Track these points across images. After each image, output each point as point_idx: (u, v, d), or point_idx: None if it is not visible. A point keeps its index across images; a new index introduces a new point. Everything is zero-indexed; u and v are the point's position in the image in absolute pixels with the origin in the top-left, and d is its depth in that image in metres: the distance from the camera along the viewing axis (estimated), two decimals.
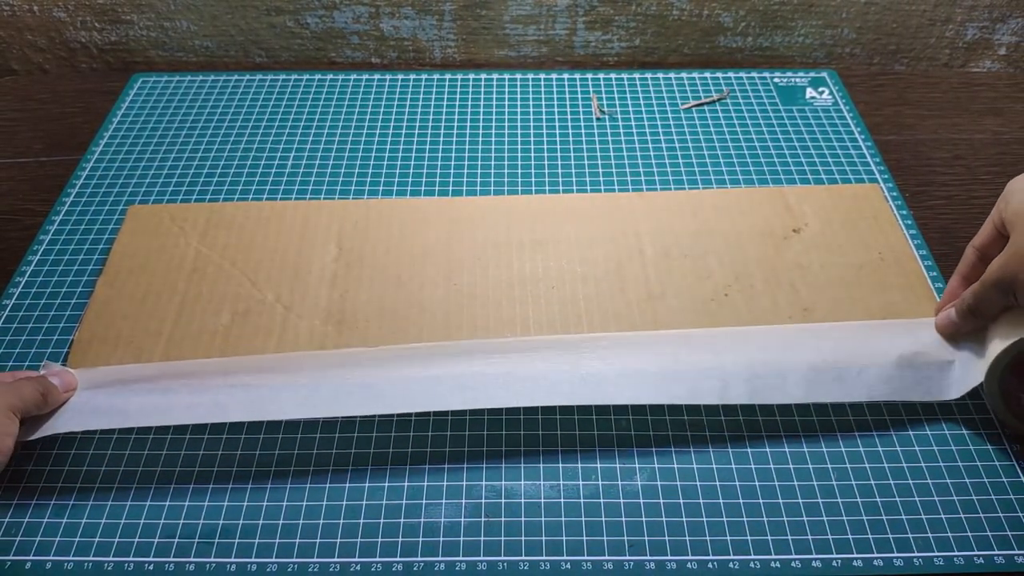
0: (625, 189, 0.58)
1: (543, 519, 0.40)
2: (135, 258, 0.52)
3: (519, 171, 0.60)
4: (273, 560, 0.39)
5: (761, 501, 0.41)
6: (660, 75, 0.70)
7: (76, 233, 0.55)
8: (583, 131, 0.64)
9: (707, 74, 0.69)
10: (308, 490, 0.42)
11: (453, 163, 0.61)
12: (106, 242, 0.54)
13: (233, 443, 0.44)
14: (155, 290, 0.50)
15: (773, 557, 0.39)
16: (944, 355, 0.45)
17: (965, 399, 0.44)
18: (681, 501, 0.41)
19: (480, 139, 0.63)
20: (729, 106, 0.66)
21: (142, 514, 0.40)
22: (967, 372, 0.44)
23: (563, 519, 0.40)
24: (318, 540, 0.39)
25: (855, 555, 0.39)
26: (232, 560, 0.39)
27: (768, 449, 0.43)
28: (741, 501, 0.41)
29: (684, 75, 0.69)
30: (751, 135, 0.63)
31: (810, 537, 0.39)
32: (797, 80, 0.69)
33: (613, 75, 0.70)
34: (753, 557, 0.39)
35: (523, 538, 0.40)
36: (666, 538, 0.39)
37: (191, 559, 0.39)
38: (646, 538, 0.39)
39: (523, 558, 0.39)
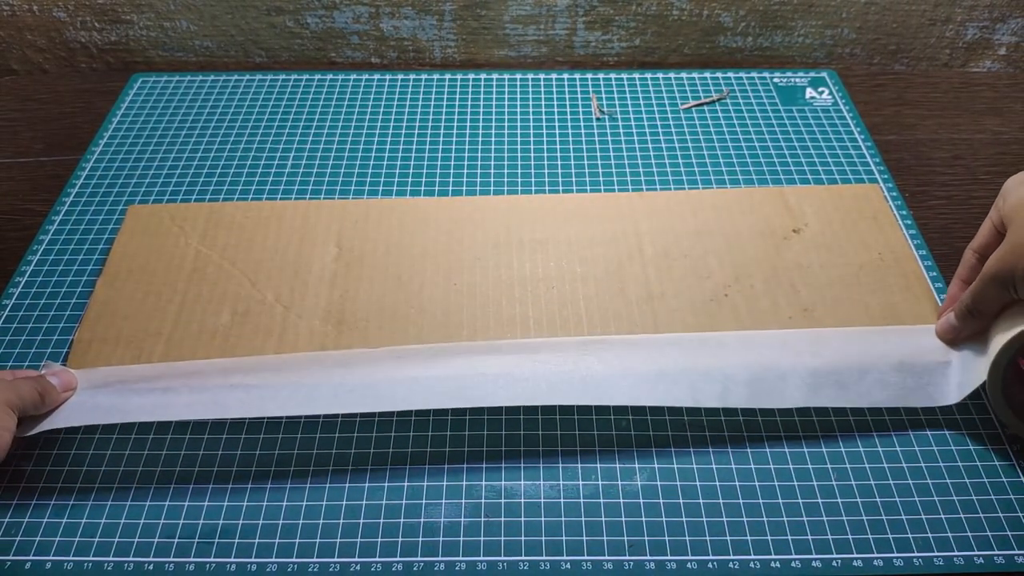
0: (625, 189, 0.58)
1: (543, 519, 0.40)
2: (135, 258, 0.52)
3: (519, 171, 0.60)
4: (273, 560, 0.39)
5: (761, 501, 0.41)
6: (660, 75, 0.70)
7: (76, 233, 0.55)
8: (583, 131, 0.64)
9: (707, 74, 0.69)
10: (308, 490, 0.42)
11: (453, 163, 0.61)
12: (106, 242, 0.54)
13: (233, 443, 0.44)
14: (155, 290, 0.50)
15: (773, 557, 0.39)
16: (944, 360, 0.45)
17: (965, 400, 0.44)
18: (681, 501, 0.41)
19: (480, 139, 0.63)
20: (729, 106, 0.66)
21: (142, 514, 0.40)
22: (968, 375, 0.43)
23: (563, 519, 0.40)
24: (318, 540, 0.39)
25: (855, 555, 0.39)
26: (232, 560, 0.39)
27: (768, 449, 0.43)
28: (741, 501, 0.41)
29: (684, 75, 0.69)
30: (751, 135, 0.63)
31: (810, 537, 0.39)
32: (797, 80, 0.69)
33: (613, 75, 0.70)
34: (753, 557, 0.39)
35: (523, 538, 0.40)
36: (666, 538, 0.39)
37: (191, 559, 0.39)
38: (646, 538, 0.39)
39: (523, 558, 0.39)
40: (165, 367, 0.45)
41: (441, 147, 0.62)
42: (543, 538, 0.40)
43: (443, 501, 0.41)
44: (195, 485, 0.42)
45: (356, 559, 0.39)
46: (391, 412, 0.45)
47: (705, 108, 0.66)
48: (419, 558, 0.39)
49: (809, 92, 0.67)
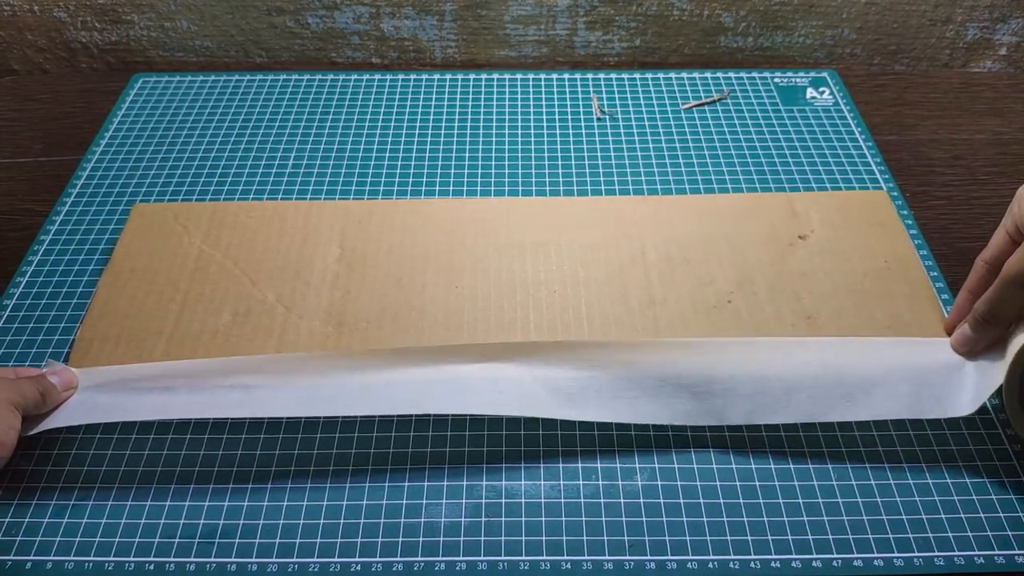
0: (625, 189, 0.58)
1: (543, 519, 0.40)
2: (138, 257, 0.52)
3: (519, 171, 0.60)
4: (273, 560, 0.39)
5: (761, 501, 0.41)
6: (660, 75, 0.70)
7: (76, 233, 0.55)
8: (583, 131, 0.64)
9: (707, 74, 0.70)
10: (308, 490, 0.42)
11: (453, 163, 0.61)
12: (106, 242, 0.54)
13: (233, 443, 0.44)
14: (157, 289, 0.50)
15: (773, 557, 0.39)
16: (959, 370, 0.43)
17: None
18: (681, 501, 0.41)
19: (480, 139, 0.63)
20: (729, 106, 0.66)
21: (142, 514, 0.40)
22: (983, 383, 0.42)
23: (563, 519, 0.40)
24: (318, 540, 0.39)
25: (855, 555, 0.39)
26: (232, 560, 0.39)
27: (768, 449, 0.43)
28: (741, 501, 0.41)
29: (684, 75, 0.70)
30: (751, 135, 0.63)
31: (810, 537, 0.39)
32: (797, 80, 0.69)
33: (613, 75, 0.70)
34: (753, 557, 0.39)
35: (523, 538, 0.40)
36: (666, 538, 0.39)
37: (191, 559, 0.39)
38: (646, 538, 0.39)
39: (523, 558, 0.39)
40: (165, 366, 0.45)
41: (441, 147, 0.62)
42: (543, 538, 0.40)
43: (443, 501, 0.41)
44: (196, 485, 0.42)
45: (356, 559, 0.39)
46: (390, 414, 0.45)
47: (706, 108, 0.66)
48: (419, 558, 0.39)
49: (810, 92, 0.67)
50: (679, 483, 0.42)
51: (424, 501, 0.41)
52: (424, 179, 0.59)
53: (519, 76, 0.70)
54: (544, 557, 0.39)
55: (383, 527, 0.40)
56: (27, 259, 0.54)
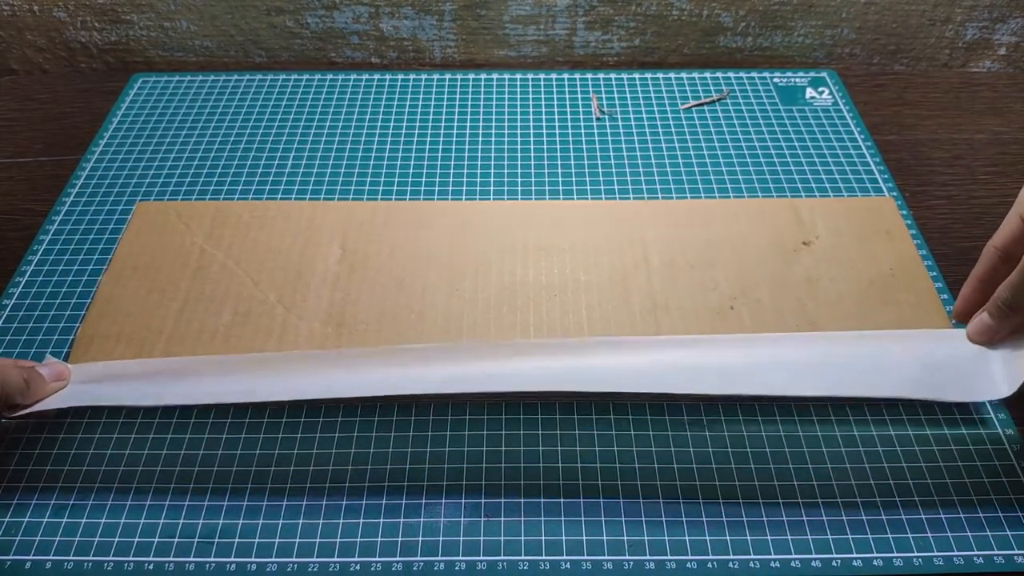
0: (625, 188, 0.58)
1: (543, 519, 0.40)
2: (140, 255, 0.52)
3: (519, 171, 0.60)
4: (273, 560, 0.39)
5: (761, 501, 0.41)
6: (660, 75, 0.70)
7: (76, 233, 0.55)
8: (583, 131, 0.64)
9: (707, 74, 0.70)
10: (308, 490, 0.42)
11: (453, 163, 0.61)
12: (106, 242, 0.54)
13: (233, 443, 0.44)
14: (159, 287, 0.50)
15: (773, 557, 0.39)
16: (981, 355, 0.42)
17: (966, 400, 0.44)
18: (681, 501, 0.41)
19: (480, 139, 0.63)
20: (729, 106, 0.66)
21: (142, 514, 0.40)
22: (1013, 365, 0.41)
23: (563, 519, 0.40)
24: (318, 540, 0.39)
25: (855, 555, 0.39)
26: (232, 560, 0.39)
27: (768, 449, 0.43)
28: (741, 501, 0.41)
29: (684, 75, 0.70)
30: (751, 135, 0.63)
31: (810, 537, 0.39)
32: (797, 80, 0.69)
33: (613, 75, 0.70)
34: (753, 557, 0.39)
35: (523, 538, 0.40)
36: (666, 538, 0.39)
37: (191, 559, 0.39)
38: (646, 538, 0.39)
39: (523, 558, 0.39)
40: (161, 363, 0.45)
41: (441, 147, 0.62)
42: (543, 538, 0.40)
43: (443, 501, 0.41)
44: (195, 485, 0.42)
45: (356, 559, 0.39)
46: (391, 411, 0.45)
47: (705, 108, 0.66)
48: (419, 558, 0.39)
49: (809, 92, 0.67)
50: (679, 483, 0.42)
51: (423, 501, 0.41)
52: (423, 179, 0.59)
53: (518, 76, 0.70)
54: (544, 557, 0.39)
55: (382, 527, 0.40)
56: (27, 258, 0.54)
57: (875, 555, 0.39)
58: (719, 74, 0.69)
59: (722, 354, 0.43)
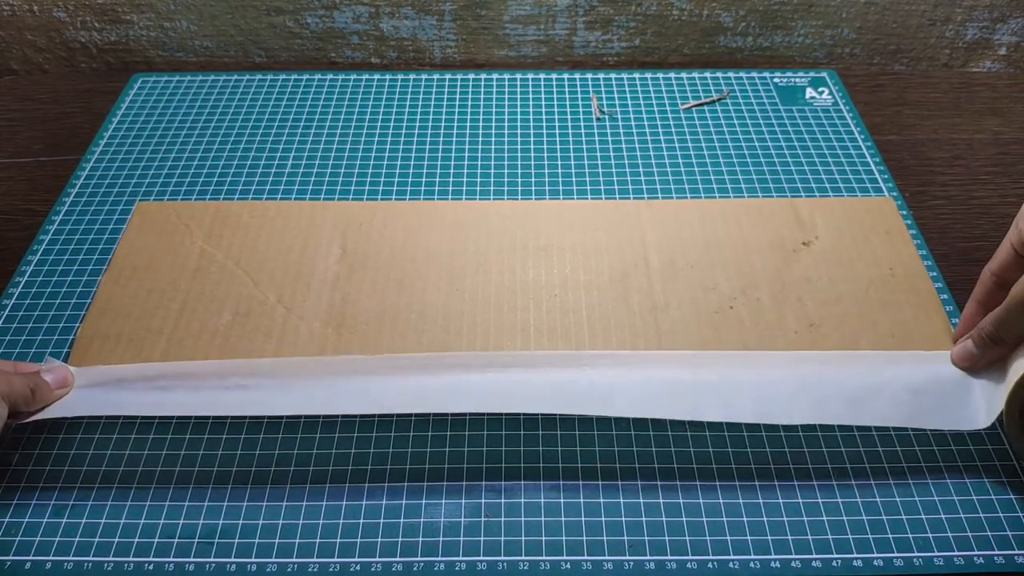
0: (624, 188, 0.58)
1: (543, 519, 0.40)
2: (141, 255, 0.52)
3: (518, 171, 0.60)
4: (273, 560, 0.39)
5: (761, 501, 0.41)
6: (660, 75, 0.70)
7: (76, 233, 0.55)
8: (583, 131, 0.64)
9: (707, 74, 0.70)
10: (308, 490, 0.42)
11: (453, 163, 0.61)
12: (106, 242, 0.54)
13: (233, 443, 0.44)
14: (159, 288, 0.50)
15: (773, 557, 0.39)
16: (963, 383, 0.43)
17: None
18: (681, 501, 0.41)
19: (480, 139, 0.63)
20: (729, 106, 0.66)
21: (142, 514, 0.40)
22: (992, 398, 0.42)
23: (563, 519, 0.40)
24: (318, 540, 0.39)
25: (855, 555, 0.39)
26: (232, 560, 0.39)
27: (768, 449, 0.43)
28: (741, 501, 0.41)
29: (684, 75, 0.70)
30: (751, 135, 0.63)
31: (810, 537, 0.39)
32: (797, 80, 0.69)
33: (613, 75, 0.70)
34: (753, 557, 0.39)
35: (523, 538, 0.40)
36: (666, 538, 0.39)
37: (191, 559, 0.39)
38: (646, 538, 0.39)
39: (523, 558, 0.39)
40: (163, 367, 0.45)
41: (441, 147, 0.62)
42: (543, 538, 0.40)
43: (443, 501, 0.41)
44: (195, 485, 0.42)
45: (356, 559, 0.39)
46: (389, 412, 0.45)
47: (705, 108, 0.66)
48: (419, 558, 0.39)
49: (809, 92, 0.67)
50: (679, 483, 0.42)
51: (423, 501, 0.41)
52: (423, 179, 0.59)
53: (518, 76, 0.70)
54: (544, 557, 0.39)
55: (382, 527, 0.40)
56: (27, 259, 0.54)
57: (875, 555, 0.39)
58: (719, 74, 0.69)
59: (704, 378, 0.43)
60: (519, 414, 0.44)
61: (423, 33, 0.74)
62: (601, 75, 0.70)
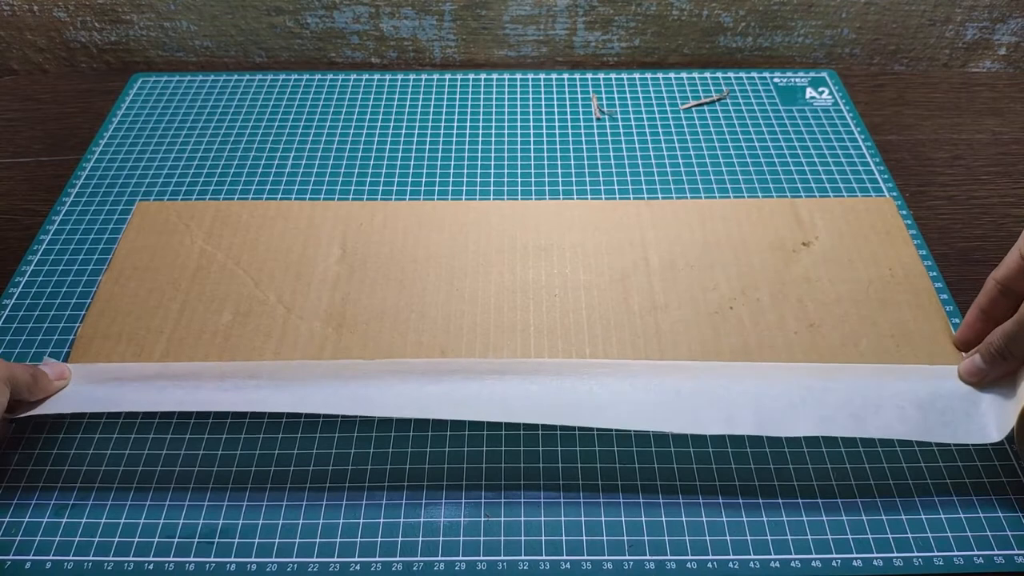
0: (624, 188, 0.58)
1: (543, 519, 0.40)
2: (141, 255, 0.52)
3: (519, 171, 0.60)
4: (273, 560, 0.39)
5: (761, 501, 0.41)
6: (660, 75, 0.70)
7: (76, 233, 0.55)
8: (583, 131, 0.64)
9: (707, 74, 0.70)
10: (308, 490, 0.42)
11: (453, 163, 0.61)
12: (106, 242, 0.54)
13: (233, 443, 0.44)
14: (159, 287, 0.50)
15: (773, 557, 0.39)
16: (971, 397, 0.42)
17: None
18: (681, 501, 0.41)
19: (480, 139, 0.63)
20: (729, 106, 0.66)
21: (142, 514, 0.41)
22: (1002, 412, 0.41)
23: (563, 519, 0.40)
24: (318, 540, 0.39)
25: (855, 555, 0.39)
26: (232, 560, 0.39)
27: (768, 449, 0.43)
28: (741, 501, 0.41)
29: (684, 75, 0.70)
30: (751, 135, 0.63)
31: (810, 537, 0.39)
32: (797, 80, 0.69)
33: (613, 75, 0.70)
34: (753, 557, 0.39)
35: (523, 538, 0.40)
36: (666, 538, 0.39)
37: (191, 559, 0.39)
38: (646, 538, 0.39)
39: (523, 558, 0.39)
40: (162, 367, 0.45)
41: (441, 147, 0.62)
42: (543, 538, 0.40)
43: (443, 501, 0.41)
44: (195, 485, 0.42)
45: (356, 559, 0.39)
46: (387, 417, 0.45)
47: (705, 108, 0.66)
48: (419, 558, 0.39)
49: (809, 92, 0.67)
50: (678, 483, 0.42)
51: (423, 501, 0.41)
52: (423, 179, 0.59)
53: (518, 76, 0.70)
54: (544, 557, 0.39)
55: (382, 527, 0.40)
56: (27, 259, 0.54)
57: (875, 555, 0.39)
58: (719, 74, 0.69)
59: (706, 390, 0.42)
60: None
61: (423, 33, 0.74)
62: (601, 75, 0.70)
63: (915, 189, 0.59)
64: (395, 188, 0.59)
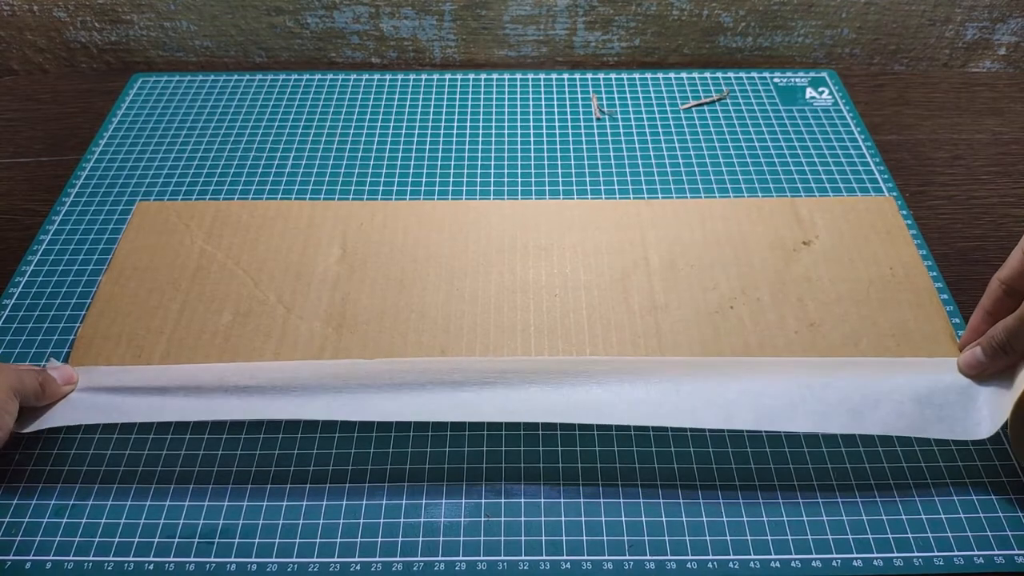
0: (624, 188, 0.58)
1: (543, 519, 0.40)
2: (141, 255, 0.52)
3: (519, 171, 0.60)
4: (273, 560, 0.39)
5: (761, 501, 0.41)
6: (660, 75, 0.70)
7: (76, 233, 0.55)
8: (583, 131, 0.64)
9: (707, 74, 0.70)
10: (308, 490, 0.42)
11: (453, 163, 0.61)
12: (106, 242, 0.54)
13: (233, 443, 0.44)
14: (159, 288, 0.50)
15: (773, 557, 0.39)
16: (968, 392, 0.42)
17: None
18: (681, 501, 0.41)
19: (480, 139, 0.63)
20: (729, 106, 0.66)
21: (142, 514, 0.41)
22: (997, 408, 0.41)
23: (563, 519, 0.40)
24: (318, 540, 0.39)
25: (855, 555, 0.39)
26: (232, 560, 0.39)
27: (768, 449, 0.43)
28: (741, 501, 0.41)
29: (684, 75, 0.70)
30: (751, 135, 0.63)
31: (810, 537, 0.39)
32: (797, 80, 0.69)
33: (613, 75, 0.70)
34: (753, 557, 0.39)
35: (523, 538, 0.40)
36: (666, 538, 0.39)
37: (191, 559, 0.39)
38: (646, 538, 0.39)
39: (523, 558, 0.39)
40: (164, 371, 0.45)
41: (441, 147, 0.62)
42: (543, 538, 0.40)
43: (443, 501, 0.41)
44: (195, 485, 0.42)
45: (356, 559, 0.39)
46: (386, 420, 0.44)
47: (705, 108, 0.66)
48: (419, 558, 0.39)
49: (809, 92, 0.67)
50: (679, 483, 0.42)
51: (423, 501, 0.41)
52: (423, 179, 0.59)
53: (518, 76, 0.70)
54: (544, 557, 0.39)
55: (382, 527, 0.40)
56: (27, 259, 0.54)
57: (875, 555, 0.39)
58: (719, 74, 0.69)
59: (705, 387, 0.43)
60: None
61: (423, 33, 0.74)
62: (601, 75, 0.70)
63: (915, 189, 0.59)
64: (395, 188, 0.59)
